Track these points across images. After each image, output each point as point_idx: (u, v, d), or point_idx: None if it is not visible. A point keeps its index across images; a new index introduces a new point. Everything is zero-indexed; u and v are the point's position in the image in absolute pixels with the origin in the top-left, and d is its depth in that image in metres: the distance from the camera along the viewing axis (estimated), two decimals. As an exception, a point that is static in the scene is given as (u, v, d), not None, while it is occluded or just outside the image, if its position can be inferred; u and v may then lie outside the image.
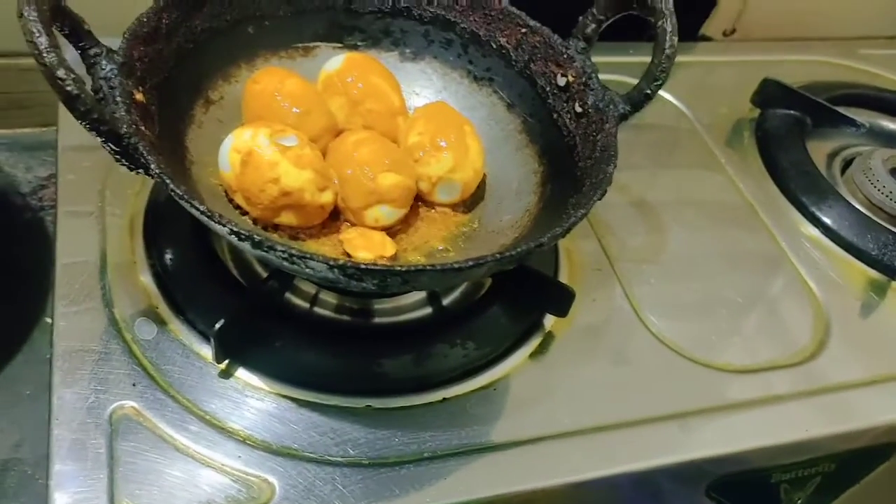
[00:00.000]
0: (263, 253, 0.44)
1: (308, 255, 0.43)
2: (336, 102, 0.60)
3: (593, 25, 0.60)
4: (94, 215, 0.61)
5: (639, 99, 0.57)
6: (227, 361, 0.54)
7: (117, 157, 0.47)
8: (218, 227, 0.44)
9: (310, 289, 0.60)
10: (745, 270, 0.72)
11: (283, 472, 0.49)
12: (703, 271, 0.71)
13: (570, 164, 0.58)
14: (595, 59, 0.61)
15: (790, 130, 0.85)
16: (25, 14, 0.42)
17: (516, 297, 0.61)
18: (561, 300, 0.60)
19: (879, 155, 0.81)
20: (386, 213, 0.56)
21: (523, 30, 0.63)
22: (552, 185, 0.59)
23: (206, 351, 0.54)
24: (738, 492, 0.61)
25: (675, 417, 0.58)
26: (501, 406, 0.56)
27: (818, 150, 0.86)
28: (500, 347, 0.59)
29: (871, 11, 1.09)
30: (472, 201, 0.62)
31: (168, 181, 0.45)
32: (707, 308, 0.68)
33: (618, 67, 0.80)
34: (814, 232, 0.77)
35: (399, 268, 0.44)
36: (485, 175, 0.62)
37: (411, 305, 0.62)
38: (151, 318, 0.56)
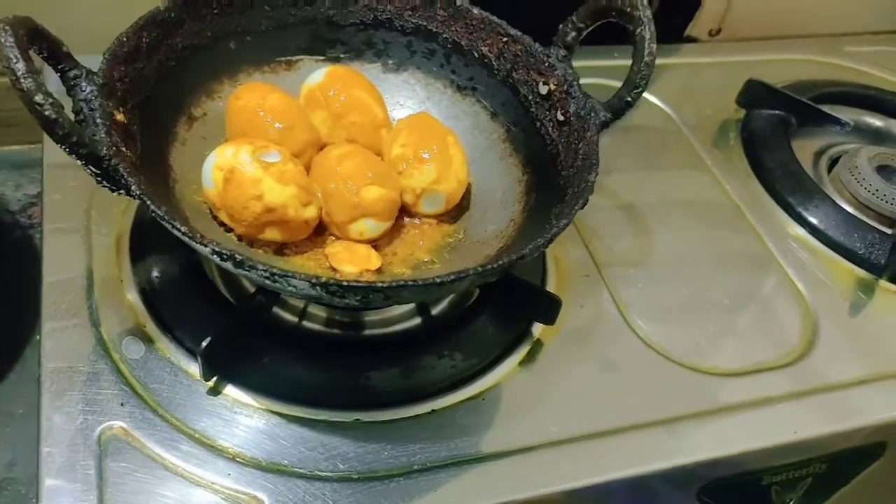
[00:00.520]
0: (245, 272, 0.44)
1: (290, 274, 0.43)
2: (319, 116, 0.60)
3: (574, 33, 0.60)
4: (81, 234, 0.62)
5: (619, 106, 0.57)
6: (214, 379, 0.54)
7: (98, 178, 0.47)
8: (200, 248, 0.44)
9: (298, 303, 0.60)
10: (732, 272, 0.72)
11: (273, 488, 0.50)
12: (690, 274, 0.71)
13: (554, 172, 0.58)
14: (578, 63, 0.61)
15: (775, 130, 0.86)
16: (2, 40, 0.42)
17: (504, 306, 0.61)
18: (548, 308, 0.60)
19: (865, 153, 0.81)
20: (370, 227, 0.56)
21: (505, 39, 0.63)
22: (536, 194, 0.59)
23: (195, 369, 0.54)
24: (730, 495, 0.61)
25: (665, 422, 0.58)
26: (491, 416, 0.56)
27: (804, 149, 0.86)
28: (489, 357, 0.59)
29: (856, 7, 1.09)
30: (457, 212, 0.62)
31: (149, 202, 0.45)
32: (695, 311, 0.68)
33: (601, 71, 0.81)
34: (800, 232, 0.77)
35: (381, 284, 0.44)
36: (469, 185, 0.62)
37: (400, 316, 0.62)
38: (139, 337, 0.56)
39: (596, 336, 0.63)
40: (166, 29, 0.56)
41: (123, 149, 0.48)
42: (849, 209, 0.78)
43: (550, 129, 0.60)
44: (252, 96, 0.58)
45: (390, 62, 0.67)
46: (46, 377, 0.52)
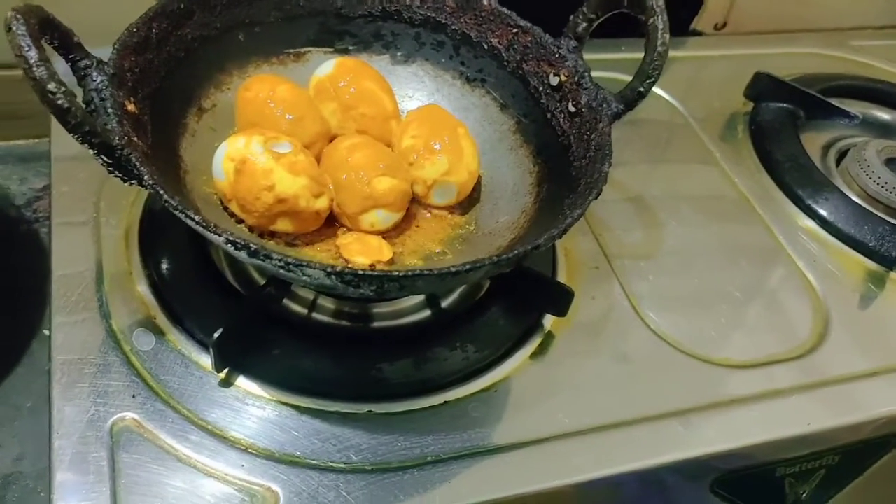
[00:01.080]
0: (260, 262, 0.44)
1: (305, 263, 0.43)
2: (328, 108, 0.60)
3: (584, 24, 0.60)
4: (90, 226, 0.61)
5: (632, 97, 0.56)
6: (226, 370, 0.54)
7: (110, 168, 0.47)
8: (214, 237, 0.44)
9: (308, 295, 0.60)
10: (742, 264, 0.72)
11: (286, 479, 0.49)
12: (700, 266, 0.71)
13: (565, 163, 0.58)
14: (587, 56, 0.61)
15: (784, 123, 0.85)
16: (14, 28, 0.42)
17: (515, 298, 0.61)
18: (560, 300, 0.60)
19: (874, 146, 0.81)
20: (382, 218, 0.56)
21: (514, 30, 0.63)
22: (548, 185, 0.59)
23: (206, 360, 0.54)
24: (744, 487, 0.61)
25: (678, 414, 0.58)
26: (503, 408, 0.56)
27: (812, 142, 0.85)
28: (501, 349, 0.59)
29: (862, 2, 1.09)
30: (468, 203, 0.62)
31: (162, 192, 0.45)
32: (706, 303, 0.67)
33: (610, 64, 0.80)
34: (810, 224, 0.77)
35: (396, 273, 0.44)
36: (480, 176, 0.62)
37: (410, 309, 0.61)
38: (149, 329, 0.55)
39: (607, 328, 0.63)
40: (176, 20, 0.56)
41: (135, 139, 0.47)
42: (858, 202, 0.78)
43: (562, 120, 0.60)
44: (262, 87, 0.58)
45: (399, 54, 0.67)
46: (57, 369, 0.52)
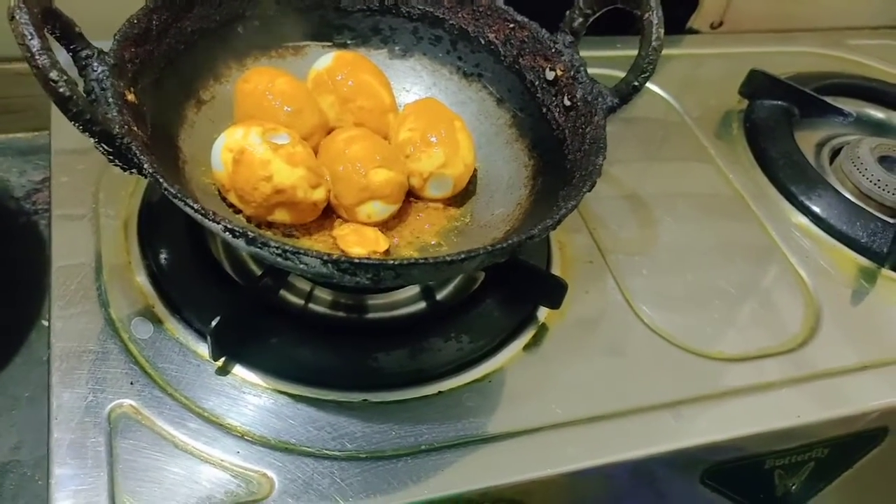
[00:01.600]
0: (257, 250, 0.44)
1: (302, 251, 0.44)
2: (326, 100, 0.61)
3: (580, 19, 0.61)
4: (89, 217, 0.62)
5: (627, 91, 0.57)
6: (223, 359, 0.54)
7: (110, 157, 0.47)
8: (212, 225, 0.45)
9: (304, 286, 0.60)
10: (736, 260, 0.72)
11: (281, 466, 0.50)
12: (694, 262, 0.71)
13: (561, 157, 0.59)
14: (583, 54, 0.61)
15: (778, 121, 0.86)
16: (17, 17, 0.42)
17: (510, 290, 0.61)
18: (554, 292, 0.61)
19: (867, 144, 0.82)
20: (378, 209, 0.56)
21: (511, 25, 0.63)
22: (543, 179, 0.60)
23: (203, 349, 0.55)
24: (733, 478, 0.61)
25: (669, 406, 0.58)
26: (497, 398, 0.57)
27: (806, 139, 0.86)
28: (495, 340, 0.59)
29: (857, 2, 1.10)
30: (464, 196, 0.62)
31: (161, 180, 0.45)
32: (699, 298, 0.68)
33: (605, 61, 0.81)
34: (803, 221, 0.77)
35: (392, 262, 0.44)
36: (476, 170, 0.63)
37: (405, 300, 0.62)
38: (148, 318, 0.56)
39: (601, 321, 0.64)
40: (176, 12, 0.57)
41: (135, 128, 0.48)
42: (851, 199, 0.79)
43: (557, 114, 0.61)
44: (260, 80, 0.58)
45: (396, 48, 0.67)
46: (56, 357, 0.53)
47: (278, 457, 0.50)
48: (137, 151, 0.46)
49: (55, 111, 0.45)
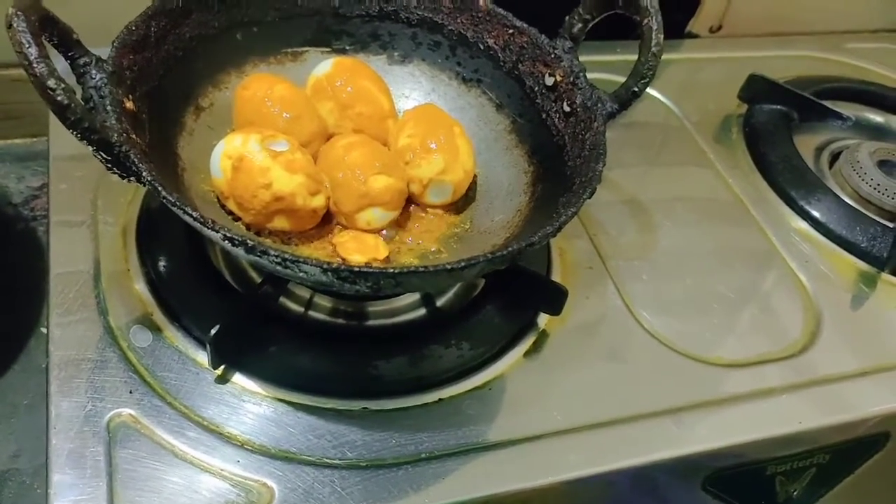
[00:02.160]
0: (257, 258, 0.44)
1: (301, 259, 0.43)
2: (325, 107, 0.61)
3: (580, 25, 0.61)
4: (87, 224, 0.62)
5: (626, 97, 0.57)
6: (223, 367, 0.54)
7: (109, 165, 0.47)
8: (211, 234, 0.44)
9: (304, 293, 0.60)
10: (735, 265, 0.72)
11: (281, 475, 0.50)
12: (694, 267, 0.71)
13: (560, 163, 0.59)
14: (582, 58, 0.61)
15: (777, 125, 0.86)
16: (14, 25, 0.42)
17: (510, 296, 0.61)
18: (554, 299, 0.60)
19: (866, 148, 0.82)
20: (378, 216, 0.56)
21: (510, 30, 0.63)
22: (543, 185, 0.60)
23: (202, 357, 0.54)
24: (735, 485, 0.61)
25: (670, 413, 0.58)
26: (497, 405, 0.56)
27: (805, 144, 0.86)
28: (495, 347, 0.59)
29: (856, 6, 1.10)
30: (464, 202, 0.62)
31: (160, 188, 0.45)
32: (699, 303, 0.68)
33: (604, 66, 0.81)
34: (803, 225, 0.77)
35: (392, 270, 0.44)
36: (475, 176, 0.62)
37: (405, 307, 0.62)
38: (146, 326, 0.56)
39: (601, 327, 0.64)
40: (174, 19, 0.56)
41: (133, 136, 0.48)
42: (851, 203, 0.79)
43: (556, 120, 0.60)
44: (260, 86, 0.58)
45: (395, 54, 0.67)
46: (55, 365, 0.52)
47: (278, 466, 0.50)
48: (136, 159, 0.46)
49: (54, 118, 0.45)
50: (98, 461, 0.48)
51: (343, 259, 0.55)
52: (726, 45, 1.02)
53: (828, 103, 0.90)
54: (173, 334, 0.55)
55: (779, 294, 0.70)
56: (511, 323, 0.61)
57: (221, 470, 0.49)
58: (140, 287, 0.58)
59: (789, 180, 0.80)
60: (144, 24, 0.54)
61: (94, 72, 0.48)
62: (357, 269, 0.44)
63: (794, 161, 0.82)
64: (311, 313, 0.60)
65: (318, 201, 0.54)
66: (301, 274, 0.45)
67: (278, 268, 0.45)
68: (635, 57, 0.57)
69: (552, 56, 0.61)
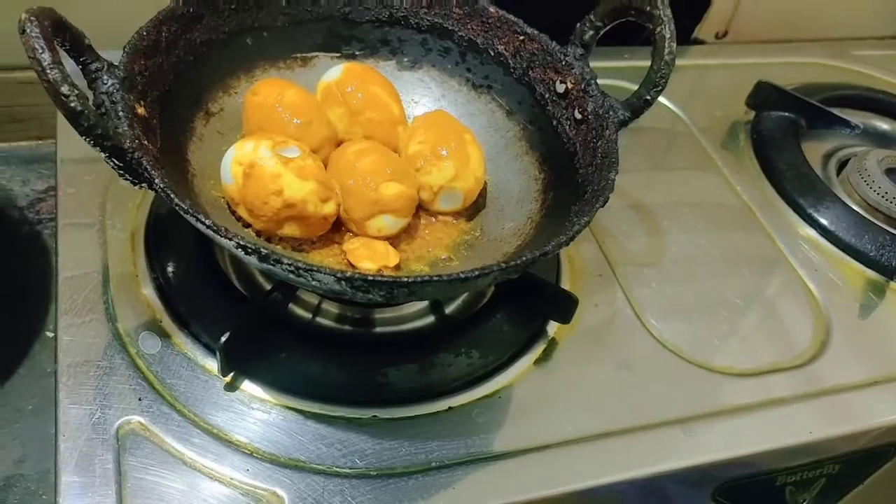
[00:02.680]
0: (270, 266, 0.44)
1: (315, 268, 0.43)
2: (335, 113, 0.60)
3: (591, 32, 0.60)
4: (96, 228, 0.61)
5: (638, 105, 0.57)
6: (232, 374, 0.54)
7: (120, 172, 0.47)
8: (224, 241, 0.44)
9: (312, 299, 0.60)
10: (744, 272, 0.72)
11: (290, 484, 0.49)
12: (702, 274, 0.71)
13: (571, 171, 0.58)
14: (591, 64, 0.61)
15: (785, 132, 0.86)
16: (27, 30, 0.42)
17: (519, 304, 0.61)
18: (564, 307, 0.60)
19: (874, 156, 0.82)
20: (389, 223, 0.56)
21: (521, 37, 0.63)
22: (554, 193, 0.59)
23: (211, 364, 0.54)
24: (744, 495, 0.61)
25: (680, 422, 0.58)
26: (507, 414, 0.56)
27: (813, 151, 0.86)
28: (504, 355, 0.59)
29: (863, 12, 1.10)
30: (474, 209, 0.62)
31: (172, 196, 0.45)
32: (708, 311, 0.68)
33: (613, 72, 0.81)
34: (811, 233, 0.77)
35: (406, 279, 0.44)
36: (486, 183, 0.62)
37: (414, 314, 0.62)
38: (155, 332, 0.56)
39: (610, 335, 0.63)
40: (185, 24, 0.56)
41: (145, 142, 0.48)
42: (859, 211, 0.78)
43: (567, 127, 0.60)
44: (270, 92, 0.58)
45: (405, 60, 0.67)
46: (63, 372, 0.52)
47: (288, 474, 0.50)
48: (148, 166, 0.45)
49: (61, 121, 0.45)
50: (107, 469, 0.48)
51: (353, 266, 0.54)
52: (733, 52, 1.02)
53: (836, 110, 0.90)
54: (182, 341, 0.55)
55: (787, 302, 0.70)
56: (520, 331, 0.61)
57: (231, 478, 0.49)
58: (149, 292, 0.58)
59: (797, 188, 0.80)
60: (155, 30, 0.53)
61: (105, 77, 0.48)
62: (371, 278, 0.43)
63: (802, 168, 0.82)
64: (319, 320, 0.60)
65: (329, 208, 0.54)
66: (314, 282, 0.44)
67: (291, 276, 0.44)
68: (645, 63, 0.57)
69: (563, 63, 0.61)
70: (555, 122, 0.61)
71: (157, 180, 0.45)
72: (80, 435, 0.49)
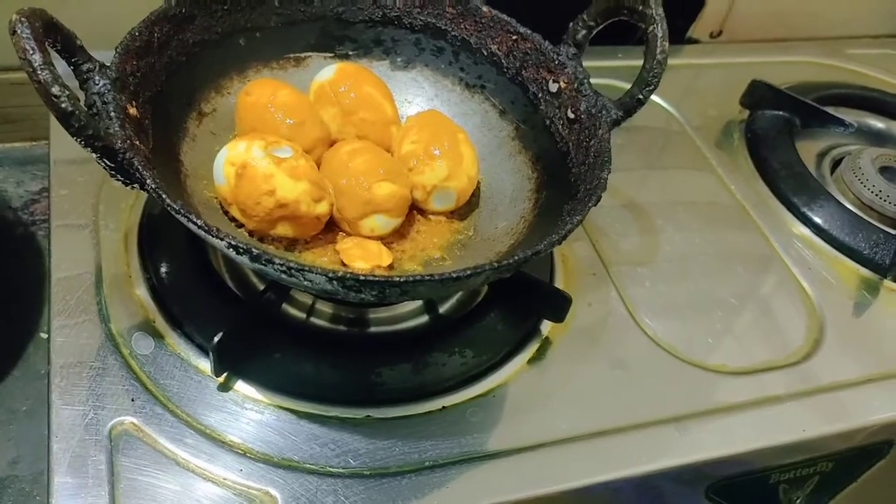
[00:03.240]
0: (262, 266, 0.44)
1: (307, 268, 0.43)
2: (328, 113, 0.60)
3: (584, 32, 0.60)
4: (89, 229, 0.61)
5: (631, 104, 0.57)
6: (225, 374, 0.54)
7: (112, 172, 0.47)
8: (216, 242, 0.44)
9: (306, 299, 0.60)
10: (738, 271, 0.72)
11: (284, 484, 0.49)
12: (696, 272, 0.71)
13: (564, 170, 0.58)
14: (584, 63, 0.61)
15: (779, 131, 0.86)
16: (18, 31, 0.42)
17: (513, 303, 0.61)
18: (558, 306, 0.60)
19: (868, 154, 0.82)
20: (382, 223, 0.56)
21: (514, 37, 0.63)
22: (547, 192, 0.59)
23: (204, 364, 0.54)
24: (738, 493, 0.61)
25: (673, 420, 0.58)
26: (500, 413, 0.56)
27: (807, 150, 0.86)
28: (498, 354, 0.59)
29: (857, 11, 1.10)
30: (467, 209, 0.62)
31: (164, 196, 0.45)
32: (702, 309, 0.68)
33: (606, 71, 0.81)
34: (805, 231, 0.77)
35: (397, 278, 0.44)
36: (479, 182, 0.62)
37: (408, 314, 0.62)
38: (148, 332, 0.56)
39: (604, 334, 0.63)
40: (178, 24, 0.56)
41: (137, 143, 0.47)
42: (852, 209, 0.79)
43: (560, 126, 0.60)
44: (262, 92, 0.58)
45: (399, 59, 0.67)
46: (56, 373, 0.52)
47: (281, 474, 0.50)
48: (140, 167, 0.45)
49: (54, 122, 0.45)
50: (100, 470, 0.48)
51: (346, 266, 0.54)
52: (727, 51, 1.02)
53: (830, 109, 0.90)
54: (175, 341, 0.55)
55: (781, 300, 0.70)
56: (514, 330, 0.61)
57: (224, 479, 0.49)
58: (142, 293, 0.58)
59: (791, 186, 0.80)
60: (148, 30, 0.53)
61: (97, 77, 0.48)
62: (363, 278, 0.43)
63: (796, 167, 0.82)
64: (314, 320, 0.60)
65: (322, 208, 0.54)
66: (306, 282, 0.44)
67: (283, 276, 0.44)
68: (638, 62, 0.57)
69: (556, 62, 0.61)
70: (548, 122, 0.61)
71: (148, 181, 0.45)
72: (72, 436, 0.49)
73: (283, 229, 0.54)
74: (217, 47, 0.60)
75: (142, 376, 0.53)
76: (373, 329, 0.60)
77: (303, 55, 0.65)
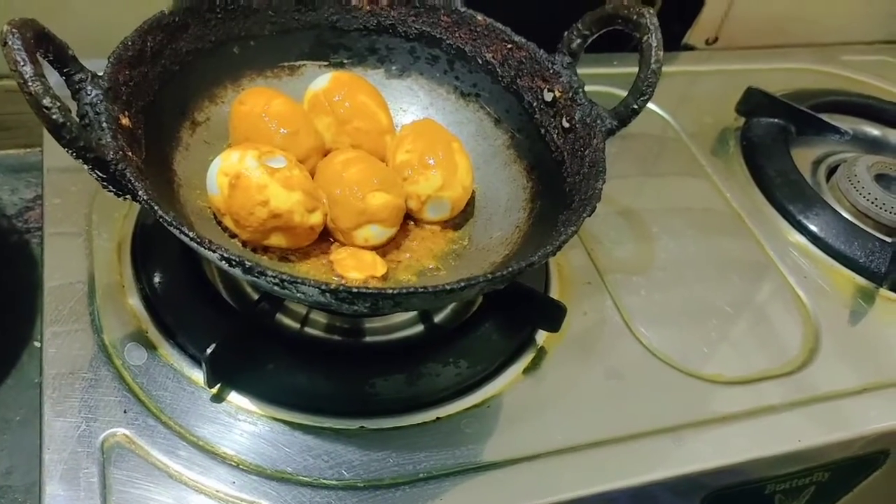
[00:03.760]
0: (254, 278, 0.44)
1: (299, 280, 0.43)
2: (323, 122, 0.60)
3: (579, 40, 0.60)
4: (82, 238, 0.61)
5: (626, 114, 0.57)
6: (218, 385, 0.53)
7: (104, 183, 0.47)
8: (208, 254, 0.44)
9: (300, 310, 0.60)
10: (733, 279, 0.72)
11: (277, 496, 0.49)
12: (691, 281, 0.71)
13: (559, 179, 0.58)
14: (579, 70, 0.61)
15: (775, 139, 0.86)
16: (9, 42, 0.42)
17: (508, 313, 0.61)
18: (553, 315, 0.60)
19: (864, 162, 0.82)
20: (376, 233, 0.56)
21: (509, 45, 0.63)
22: (542, 201, 0.59)
23: (197, 375, 0.54)
24: (734, 503, 0.61)
25: (669, 431, 0.58)
26: (495, 424, 0.56)
27: (803, 157, 0.86)
28: (493, 364, 0.59)
29: (852, 17, 1.10)
30: (462, 218, 0.62)
31: (156, 207, 0.44)
32: (697, 318, 0.68)
33: (602, 78, 0.81)
34: (801, 240, 0.77)
35: (391, 290, 0.44)
36: (474, 192, 0.62)
37: (403, 324, 0.61)
38: (141, 343, 0.55)
39: (599, 343, 0.63)
40: (171, 33, 0.56)
41: (129, 153, 0.47)
42: (848, 217, 0.78)
43: (555, 136, 0.60)
44: (257, 101, 0.57)
45: (393, 68, 0.67)
46: (48, 384, 0.52)
47: (274, 486, 0.50)
48: (132, 178, 0.45)
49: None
50: (92, 482, 0.48)
51: (340, 276, 0.54)
52: (723, 58, 1.02)
53: (825, 117, 0.90)
54: (168, 352, 0.55)
55: (777, 309, 0.70)
56: (509, 340, 0.61)
57: (216, 491, 0.49)
58: (134, 302, 0.57)
59: (787, 194, 0.80)
60: (140, 39, 0.53)
61: (89, 88, 0.48)
62: (356, 290, 0.43)
63: (792, 175, 0.82)
64: (308, 329, 0.59)
65: (316, 218, 0.54)
66: (299, 294, 0.44)
67: (276, 288, 0.44)
68: (633, 70, 0.57)
69: (551, 71, 0.61)
70: (543, 131, 0.61)
71: (140, 192, 0.45)
72: (65, 447, 0.49)
73: (276, 240, 0.54)
74: (211, 56, 0.59)
75: (134, 387, 0.53)
76: (367, 339, 0.60)
77: (297, 64, 0.65)
